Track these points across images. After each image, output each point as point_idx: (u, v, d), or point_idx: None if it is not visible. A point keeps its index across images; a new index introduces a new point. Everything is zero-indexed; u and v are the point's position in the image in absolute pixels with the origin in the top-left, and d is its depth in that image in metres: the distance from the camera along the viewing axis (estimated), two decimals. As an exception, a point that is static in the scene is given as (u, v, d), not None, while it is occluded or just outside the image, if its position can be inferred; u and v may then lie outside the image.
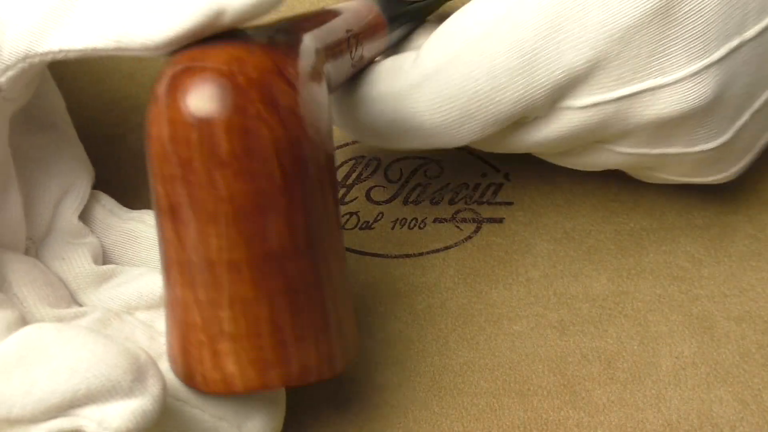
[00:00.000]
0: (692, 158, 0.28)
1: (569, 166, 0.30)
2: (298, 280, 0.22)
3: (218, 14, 0.21)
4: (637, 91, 0.25)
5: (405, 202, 0.33)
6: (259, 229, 0.21)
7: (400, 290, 0.31)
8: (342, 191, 0.33)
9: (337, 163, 0.33)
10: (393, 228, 0.32)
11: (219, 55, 0.21)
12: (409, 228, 0.32)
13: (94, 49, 0.23)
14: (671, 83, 0.25)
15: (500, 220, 0.33)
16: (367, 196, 0.33)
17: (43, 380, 0.20)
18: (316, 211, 0.22)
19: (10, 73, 0.24)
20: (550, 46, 0.25)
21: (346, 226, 0.32)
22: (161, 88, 0.21)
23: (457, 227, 0.32)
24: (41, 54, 0.23)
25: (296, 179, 0.21)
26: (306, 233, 0.22)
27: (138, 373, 0.20)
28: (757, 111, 0.27)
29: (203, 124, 0.20)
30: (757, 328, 0.30)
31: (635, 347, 0.29)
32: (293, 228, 0.22)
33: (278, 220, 0.21)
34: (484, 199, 0.33)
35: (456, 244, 0.32)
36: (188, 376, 0.22)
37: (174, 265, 0.22)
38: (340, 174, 0.33)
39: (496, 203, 0.33)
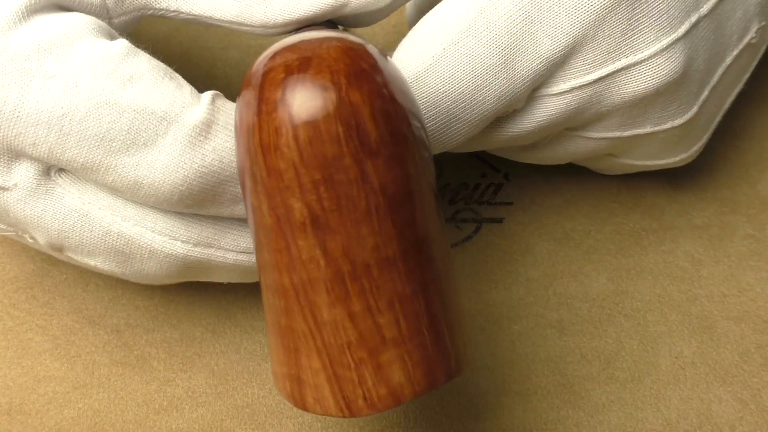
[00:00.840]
0: (661, 138, 0.28)
1: (535, 162, 0.30)
2: (440, 264, 0.21)
3: (343, 4, 0.22)
4: (612, 71, 0.26)
5: (405, 203, 0.33)
6: (408, 216, 0.20)
7: (400, 290, 0.31)
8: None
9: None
10: (393, 228, 0.32)
11: (333, 45, 0.20)
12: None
13: (210, 18, 0.25)
14: (643, 60, 0.25)
15: (500, 220, 0.33)
16: (367, 197, 0.33)
17: None
18: (434, 186, 0.21)
19: (124, 18, 0.26)
20: (527, 37, 0.25)
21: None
22: (276, 93, 0.19)
23: (457, 227, 0.32)
24: (157, 9, 0.25)
25: (426, 156, 0.21)
26: (438, 213, 0.21)
27: None
28: (714, 86, 0.28)
29: (350, 114, 0.19)
30: (756, 327, 0.30)
31: (634, 347, 0.29)
32: (431, 209, 0.20)
33: (422, 203, 0.20)
34: (484, 199, 0.33)
35: (456, 244, 0.32)
36: (344, 406, 0.20)
37: (319, 285, 0.20)
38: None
39: (496, 203, 0.33)
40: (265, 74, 0.20)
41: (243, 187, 0.22)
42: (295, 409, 0.28)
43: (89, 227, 0.25)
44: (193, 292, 0.31)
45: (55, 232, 0.25)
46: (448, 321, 0.21)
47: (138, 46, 0.25)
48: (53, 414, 0.28)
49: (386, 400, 0.20)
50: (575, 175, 0.32)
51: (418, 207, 0.20)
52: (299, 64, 0.19)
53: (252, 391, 0.29)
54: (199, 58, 0.36)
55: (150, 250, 0.25)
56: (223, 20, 0.26)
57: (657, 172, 0.32)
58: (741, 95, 0.31)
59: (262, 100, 0.19)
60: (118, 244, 0.25)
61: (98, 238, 0.25)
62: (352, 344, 0.20)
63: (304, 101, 0.19)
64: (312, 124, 0.19)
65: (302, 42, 0.20)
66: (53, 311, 0.31)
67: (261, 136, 0.19)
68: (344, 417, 0.21)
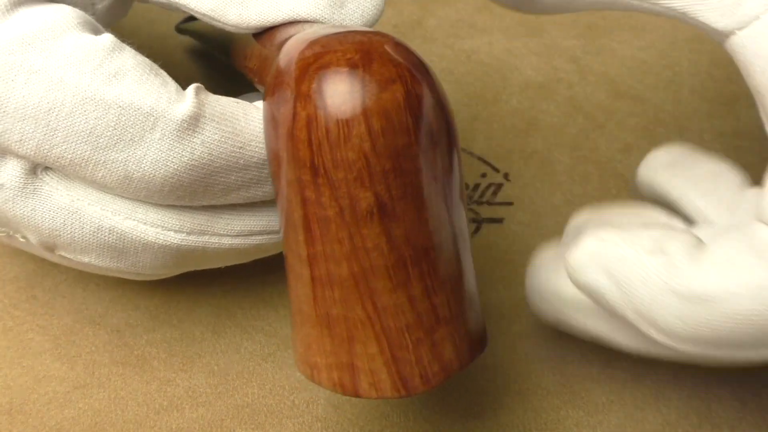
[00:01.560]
0: None
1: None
2: (465, 232, 0.22)
3: (315, 21, 0.25)
4: None
5: (405, 203, 0.33)
6: (456, 200, 0.21)
7: (400, 290, 0.31)
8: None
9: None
10: (393, 228, 0.32)
11: (385, 40, 0.21)
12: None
13: (185, 6, 0.27)
14: None
15: (500, 220, 0.33)
16: (368, 197, 0.33)
17: None
18: None
19: (106, 3, 0.26)
20: None
21: (347, 227, 0.32)
22: (342, 87, 0.20)
23: (457, 227, 0.32)
24: None
25: None
26: (462, 181, 0.22)
27: None
28: None
29: (417, 106, 0.20)
30: (756, 327, 0.30)
31: (635, 347, 0.30)
32: (460, 181, 0.22)
33: (462, 189, 0.22)
34: (484, 199, 0.33)
35: (456, 244, 0.32)
36: (401, 386, 0.21)
37: (382, 272, 0.20)
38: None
39: (496, 203, 0.33)
40: (323, 68, 0.20)
41: (281, 182, 0.21)
42: (295, 409, 0.28)
43: (80, 224, 0.25)
44: (193, 292, 0.31)
45: (47, 231, 0.25)
46: (474, 289, 0.23)
47: (123, 41, 0.25)
48: (53, 414, 0.28)
49: (439, 376, 0.21)
50: (575, 175, 0.32)
51: (461, 192, 0.22)
52: (361, 57, 0.20)
53: (252, 391, 0.29)
54: (199, 57, 0.36)
55: (143, 243, 0.25)
56: (196, 11, 0.26)
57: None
58: (741, 95, 0.31)
59: (325, 94, 0.20)
60: (110, 239, 0.25)
61: (90, 234, 0.25)
62: (410, 326, 0.21)
63: (375, 94, 0.19)
64: (386, 116, 0.19)
65: (349, 35, 0.21)
66: (53, 311, 0.31)
67: (328, 129, 0.20)
68: (399, 397, 0.22)
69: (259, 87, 0.26)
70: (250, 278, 0.32)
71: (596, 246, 0.23)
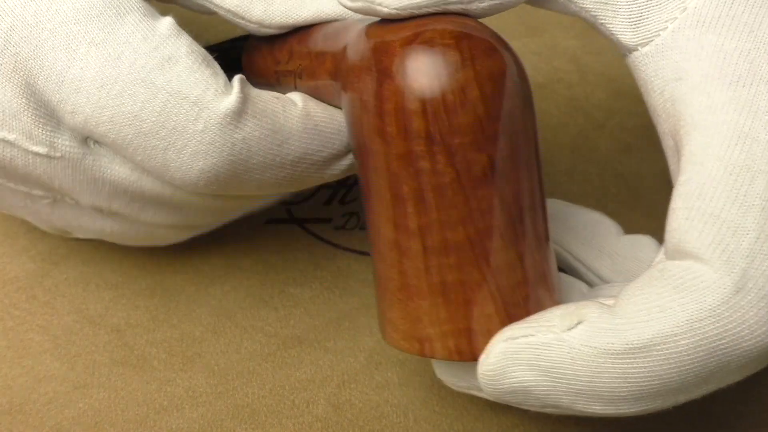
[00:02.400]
0: None
1: None
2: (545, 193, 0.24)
3: (341, 17, 0.25)
4: None
5: (405, 202, 0.33)
6: (540, 152, 0.23)
7: (401, 290, 0.31)
8: (342, 191, 0.33)
9: (338, 163, 0.33)
10: (393, 228, 0.32)
11: (483, 26, 0.22)
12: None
13: (212, 2, 0.26)
14: None
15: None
16: (368, 197, 0.33)
17: None
18: None
19: None
20: None
21: (347, 227, 0.32)
22: (456, 57, 0.21)
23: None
24: None
25: None
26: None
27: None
28: None
29: (519, 73, 0.22)
30: (756, 327, 0.30)
31: (635, 347, 0.29)
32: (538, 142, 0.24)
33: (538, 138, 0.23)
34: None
35: (456, 244, 0.32)
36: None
37: (495, 232, 0.22)
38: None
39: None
40: (428, 43, 0.21)
41: (379, 163, 0.22)
42: (295, 409, 0.28)
43: (140, 191, 0.25)
44: (193, 292, 0.31)
45: (105, 197, 0.26)
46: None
47: (183, 29, 0.25)
48: (54, 414, 0.28)
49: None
50: (575, 175, 0.32)
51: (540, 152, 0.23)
52: (460, 32, 0.21)
53: (252, 391, 0.29)
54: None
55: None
56: (222, 7, 0.26)
57: (657, 173, 0.32)
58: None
59: (437, 66, 0.21)
60: (170, 200, 0.26)
61: (151, 198, 0.26)
62: (520, 283, 0.22)
63: (484, 61, 0.21)
64: (495, 80, 0.21)
65: (431, 18, 0.22)
66: (53, 311, 0.31)
67: (444, 97, 0.21)
68: None
69: (302, 86, 0.27)
70: (250, 278, 0.32)
71: (507, 346, 0.21)
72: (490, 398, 0.22)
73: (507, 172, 0.22)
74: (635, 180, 0.32)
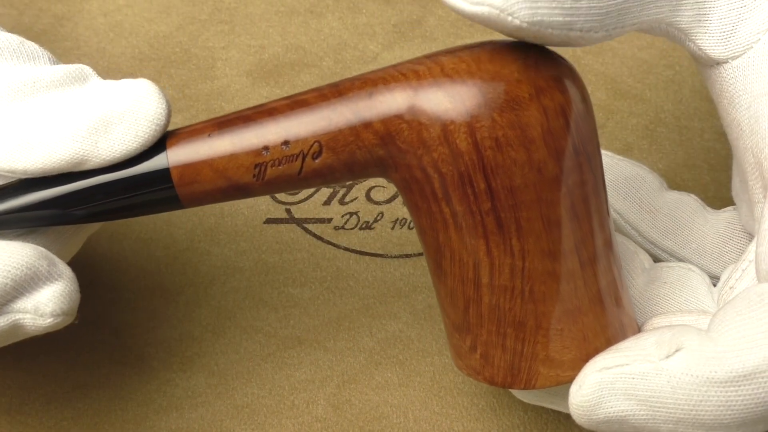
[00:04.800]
0: None
1: None
2: None
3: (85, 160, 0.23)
4: None
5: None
6: None
7: (400, 290, 0.31)
8: (342, 191, 0.33)
9: (338, 163, 0.33)
10: (393, 228, 0.32)
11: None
12: (409, 228, 0.32)
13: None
14: None
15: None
16: (367, 196, 0.33)
17: None
18: None
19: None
20: None
21: (346, 227, 0.32)
22: (570, 88, 0.22)
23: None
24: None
25: None
26: None
27: (49, 259, 0.22)
28: None
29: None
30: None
31: (635, 347, 0.29)
32: None
33: None
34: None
35: (456, 244, 0.32)
36: None
37: (601, 255, 0.23)
38: (341, 174, 0.33)
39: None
40: (550, 70, 0.22)
41: (528, 192, 0.22)
42: (294, 409, 0.28)
43: None
44: (193, 292, 0.31)
45: None
46: None
47: None
48: (53, 414, 0.28)
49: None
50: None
51: None
52: (555, 68, 0.22)
53: (252, 391, 0.29)
54: (199, 58, 0.36)
55: None
56: None
57: (657, 173, 0.32)
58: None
59: (573, 84, 0.22)
60: None
61: None
62: (619, 298, 0.23)
63: (571, 89, 0.22)
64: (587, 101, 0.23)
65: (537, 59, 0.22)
66: (53, 311, 0.31)
67: (577, 108, 0.22)
68: None
69: (319, 165, 0.23)
70: (250, 278, 0.32)
71: (602, 377, 0.21)
72: (584, 426, 0.22)
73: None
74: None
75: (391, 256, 0.32)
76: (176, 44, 0.36)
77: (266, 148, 0.22)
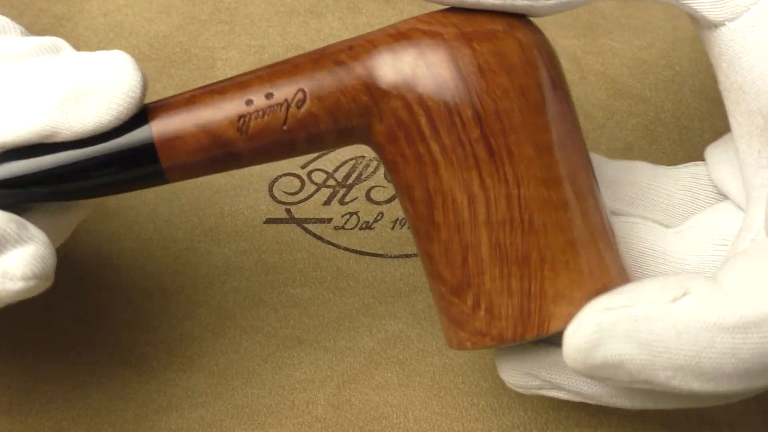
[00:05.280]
0: None
1: None
2: None
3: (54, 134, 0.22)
4: None
5: (405, 202, 0.33)
6: None
7: (400, 290, 0.31)
8: (342, 191, 0.33)
9: (338, 163, 0.33)
10: (393, 228, 0.32)
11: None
12: (409, 228, 0.32)
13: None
14: None
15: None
16: (367, 196, 0.33)
17: None
18: None
19: None
20: None
21: (346, 227, 0.32)
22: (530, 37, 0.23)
23: (457, 227, 0.32)
24: None
25: None
26: None
27: (18, 222, 0.21)
28: None
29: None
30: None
31: (635, 347, 0.29)
32: None
33: None
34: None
35: (456, 244, 0.32)
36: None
37: (590, 194, 0.23)
38: (340, 174, 0.33)
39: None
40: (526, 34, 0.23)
41: (514, 116, 0.22)
42: (294, 409, 0.28)
43: None
44: (193, 292, 0.31)
45: None
46: None
47: None
48: (53, 414, 0.28)
49: None
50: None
51: None
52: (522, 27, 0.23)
53: (251, 390, 0.29)
54: (199, 58, 0.36)
55: None
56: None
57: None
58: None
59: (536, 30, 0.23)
60: None
61: None
62: (616, 243, 0.24)
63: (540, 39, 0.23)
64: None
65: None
66: (53, 311, 0.31)
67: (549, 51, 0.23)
68: None
69: (303, 114, 0.23)
70: (250, 279, 0.32)
71: (603, 318, 0.20)
72: (575, 371, 0.21)
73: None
74: (635, 180, 0.32)
75: (391, 256, 0.32)
76: (176, 44, 0.36)
77: (250, 101, 0.23)
